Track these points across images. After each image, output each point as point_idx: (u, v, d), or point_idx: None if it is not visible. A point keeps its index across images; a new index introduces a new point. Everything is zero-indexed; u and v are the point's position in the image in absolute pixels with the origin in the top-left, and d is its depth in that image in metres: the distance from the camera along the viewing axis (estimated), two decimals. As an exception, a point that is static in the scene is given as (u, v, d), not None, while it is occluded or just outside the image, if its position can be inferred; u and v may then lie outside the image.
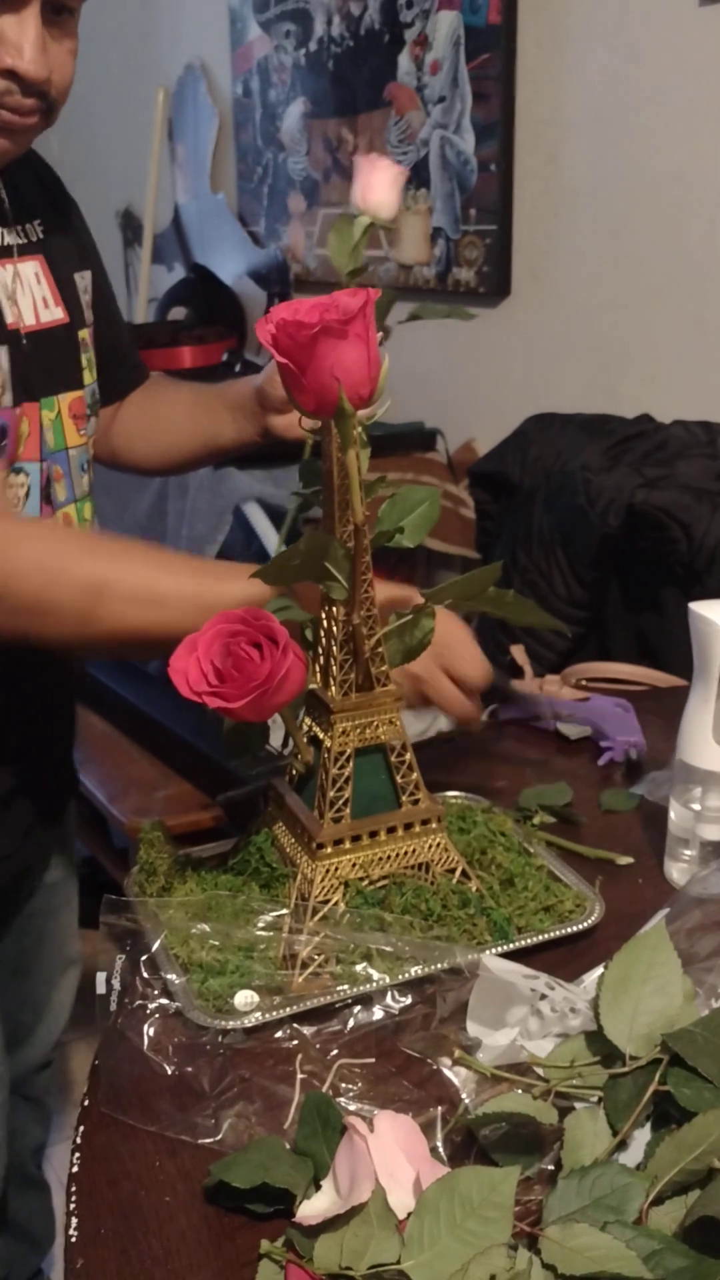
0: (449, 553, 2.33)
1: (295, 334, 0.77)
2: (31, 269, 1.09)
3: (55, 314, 1.12)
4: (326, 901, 0.91)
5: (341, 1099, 0.78)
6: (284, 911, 0.90)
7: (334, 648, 0.90)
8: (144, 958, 0.88)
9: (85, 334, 1.16)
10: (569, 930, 0.93)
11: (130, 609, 0.94)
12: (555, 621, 0.99)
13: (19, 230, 1.09)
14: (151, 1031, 0.83)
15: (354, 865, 0.92)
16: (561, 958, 0.91)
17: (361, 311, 0.77)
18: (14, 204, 1.09)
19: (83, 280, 1.17)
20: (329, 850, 0.91)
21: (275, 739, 1.01)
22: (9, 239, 1.08)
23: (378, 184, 1.11)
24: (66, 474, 1.13)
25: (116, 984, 0.86)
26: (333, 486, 0.87)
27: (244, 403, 1.24)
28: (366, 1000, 0.85)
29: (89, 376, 1.16)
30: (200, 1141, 0.76)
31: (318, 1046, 0.82)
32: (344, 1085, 0.79)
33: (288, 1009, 0.84)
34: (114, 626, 0.95)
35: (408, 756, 0.94)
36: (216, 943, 0.87)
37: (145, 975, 0.87)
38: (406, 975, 0.85)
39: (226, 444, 1.29)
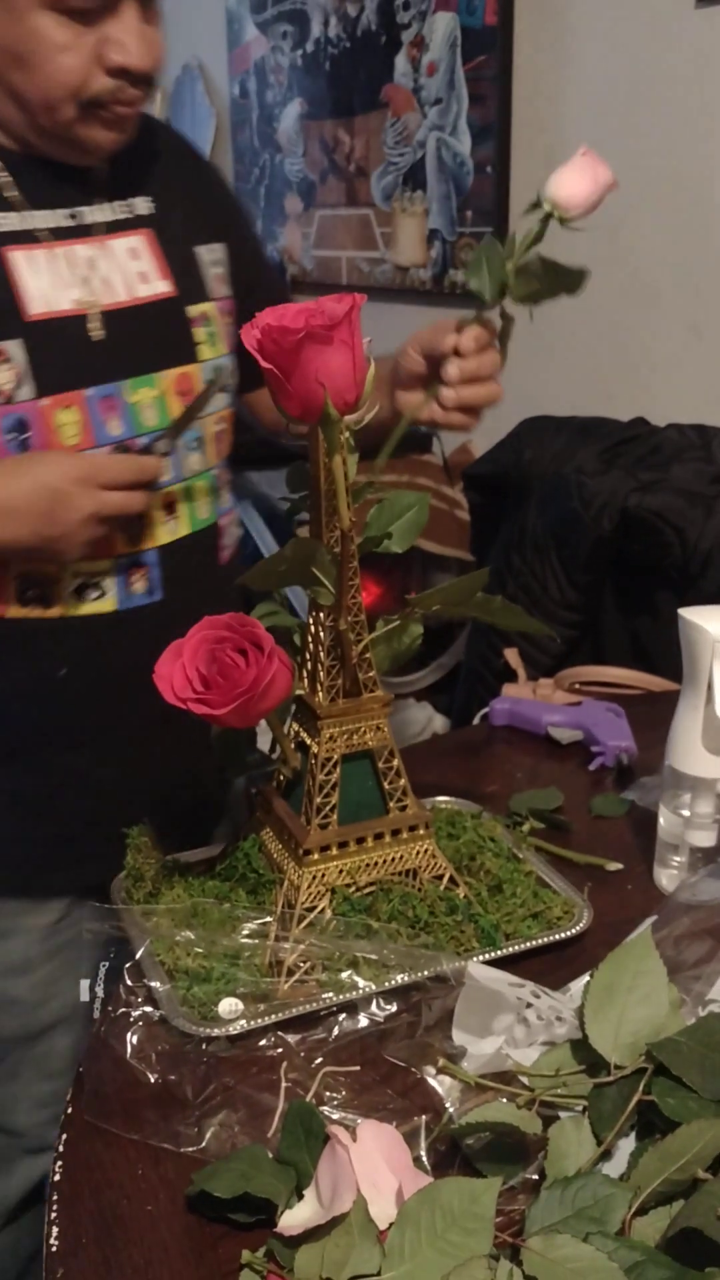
0: (444, 555, 2.33)
1: (280, 339, 0.77)
2: (128, 244, 1.10)
3: (160, 287, 1.11)
4: (313, 908, 0.90)
5: (325, 1108, 0.77)
6: (270, 918, 0.89)
7: (321, 653, 0.90)
8: (128, 965, 0.87)
9: (209, 308, 1.15)
10: (557, 937, 0.93)
11: None
12: (543, 626, 0.99)
13: (116, 207, 1.10)
14: (135, 1039, 0.82)
15: (341, 872, 0.92)
16: (549, 964, 0.91)
17: (346, 317, 0.77)
18: (118, 180, 1.10)
19: (210, 253, 1.17)
20: (316, 856, 0.91)
21: (263, 744, 1.01)
22: (97, 216, 1.09)
23: (573, 175, 1.00)
24: (171, 452, 1.12)
25: (100, 991, 0.86)
26: (320, 491, 0.87)
27: (383, 376, 1.13)
28: (352, 1008, 0.85)
29: (209, 351, 1.14)
30: (183, 1150, 0.76)
31: (302, 1054, 0.82)
32: (328, 1094, 0.79)
33: (272, 1016, 0.83)
34: None
35: (395, 762, 0.93)
36: (202, 950, 0.87)
37: (129, 982, 0.86)
38: (392, 983, 0.85)
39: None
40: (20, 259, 1.04)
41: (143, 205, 1.12)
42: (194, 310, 1.14)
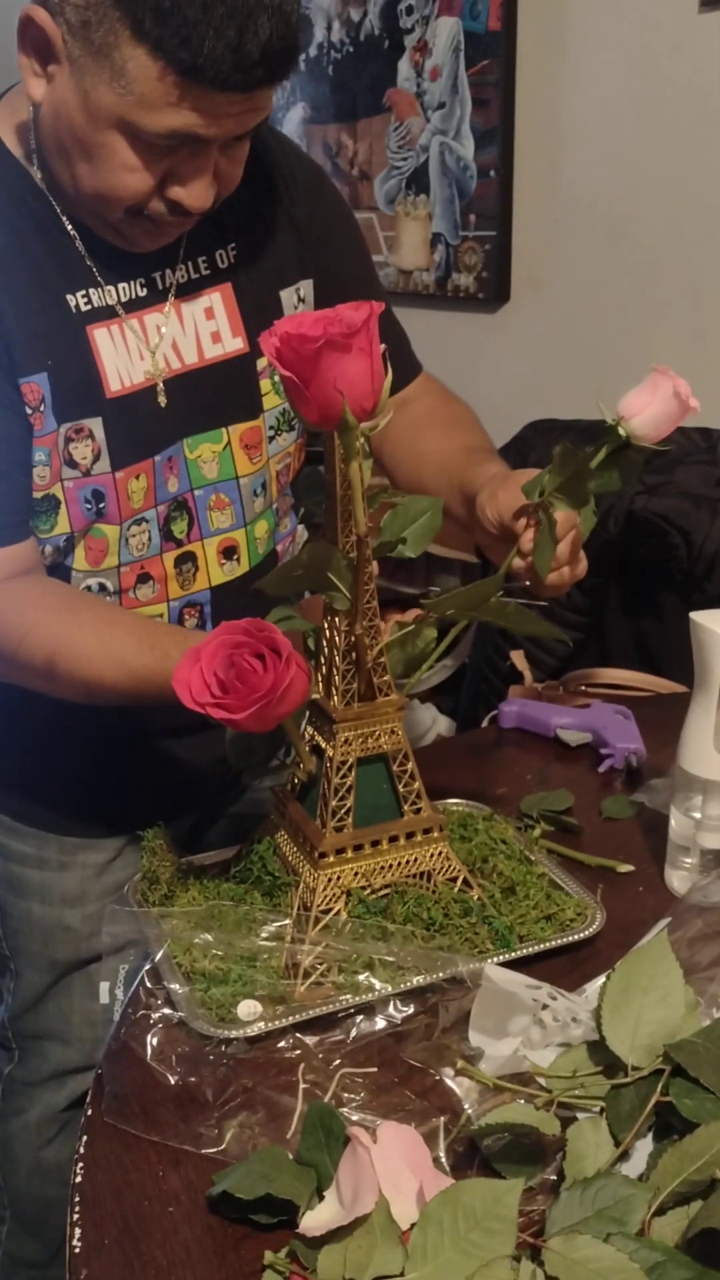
0: (449, 557, 2.33)
1: (299, 347, 0.77)
2: (203, 304, 1.10)
3: (231, 346, 1.11)
4: (329, 910, 0.91)
5: (344, 1109, 0.78)
6: (286, 920, 0.90)
7: (336, 658, 0.90)
8: (147, 967, 0.88)
9: None
10: (570, 939, 0.93)
11: (75, 685, 1.03)
12: (556, 630, 0.99)
13: (193, 265, 1.09)
14: (155, 1041, 0.83)
15: (356, 874, 0.92)
16: (563, 966, 0.92)
17: (365, 325, 0.78)
18: (198, 234, 1.08)
19: (294, 294, 1.15)
20: (331, 859, 0.91)
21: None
22: (173, 279, 1.08)
23: (646, 399, 0.99)
24: (235, 501, 1.15)
25: (120, 994, 0.86)
26: (335, 497, 0.87)
27: (473, 496, 1.08)
28: (369, 1010, 0.85)
29: (276, 399, 1.15)
30: (204, 1152, 0.76)
31: (320, 1056, 0.82)
32: (346, 1095, 0.79)
33: (290, 1018, 0.84)
34: (69, 693, 1.05)
35: (409, 765, 0.94)
36: (219, 952, 0.87)
37: (148, 985, 0.87)
38: (408, 985, 0.86)
39: (455, 518, 1.12)
40: (101, 336, 1.05)
41: (224, 256, 1.11)
42: (265, 361, 1.10)
